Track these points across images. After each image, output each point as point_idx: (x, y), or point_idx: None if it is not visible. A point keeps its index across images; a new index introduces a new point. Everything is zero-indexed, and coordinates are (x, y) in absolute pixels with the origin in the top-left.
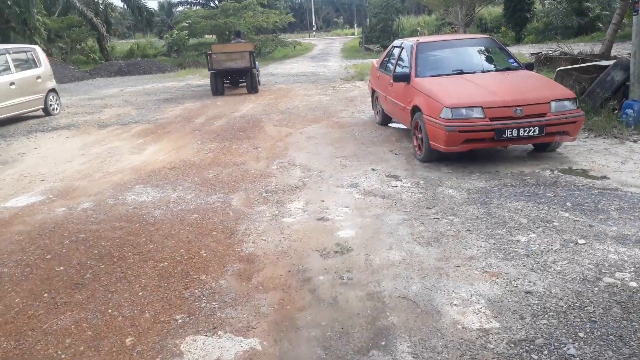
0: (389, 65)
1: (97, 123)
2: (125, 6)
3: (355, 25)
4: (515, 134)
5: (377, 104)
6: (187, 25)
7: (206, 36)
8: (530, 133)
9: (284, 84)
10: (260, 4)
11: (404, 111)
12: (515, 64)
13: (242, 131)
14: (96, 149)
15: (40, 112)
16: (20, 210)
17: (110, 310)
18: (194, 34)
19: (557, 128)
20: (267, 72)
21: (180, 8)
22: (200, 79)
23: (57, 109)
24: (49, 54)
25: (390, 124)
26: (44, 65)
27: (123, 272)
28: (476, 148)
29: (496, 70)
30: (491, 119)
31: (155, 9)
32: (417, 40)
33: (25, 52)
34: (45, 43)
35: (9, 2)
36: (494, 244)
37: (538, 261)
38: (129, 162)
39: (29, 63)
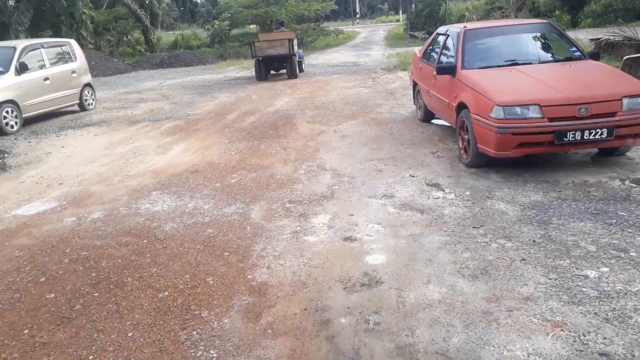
0: (433, 55)
1: (129, 119)
2: None
3: (401, 11)
4: (578, 137)
5: (419, 98)
6: (228, 15)
7: (249, 26)
8: (597, 136)
9: (322, 75)
10: None
11: (448, 108)
12: (578, 53)
13: (273, 129)
14: (121, 149)
15: (76, 107)
16: (29, 219)
17: (91, 357)
18: (236, 24)
19: (630, 130)
20: (307, 62)
21: None
22: (240, 70)
23: (92, 103)
24: (97, 47)
25: (433, 121)
26: (80, 60)
27: (117, 304)
28: (532, 153)
29: (556, 61)
30: (550, 120)
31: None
32: (465, 27)
33: (61, 46)
34: (92, 36)
35: None
36: (555, 279)
37: (614, 308)
38: (152, 164)
39: (64, 57)
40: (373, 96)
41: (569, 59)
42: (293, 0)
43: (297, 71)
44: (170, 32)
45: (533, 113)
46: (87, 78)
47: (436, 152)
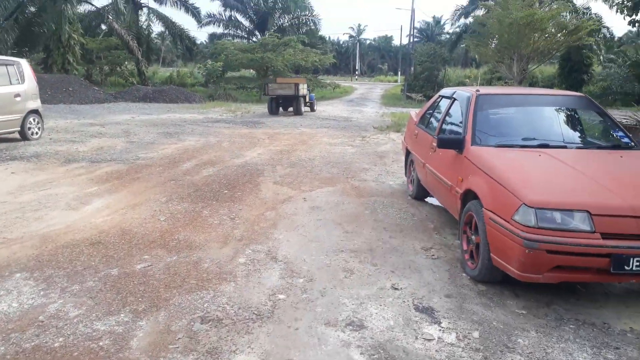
0: (433, 121)
1: (66, 157)
2: (167, 32)
3: (399, 72)
4: None
5: (412, 170)
6: (223, 57)
7: (248, 70)
8: None
9: (308, 128)
10: (301, 42)
11: (449, 193)
12: (626, 140)
13: (229, 187)
14: (28, 196)
15: (16, 135)
16: None
17: None
18: (230, 66)
19: None
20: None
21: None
22: (224, 113)
23: (37, 133)
24: (88, 75)
25: (427, 199)
26: (28, 82)
27: None
28: (575, 281)
29: (599, 148)
30: (604, 236)
31: (205, 40)
32: (477, 91)
33: (6, 65)
34: (80, 62)
35: (42, 20)
36: None
37: None
38: (50, 224)
39: (9, 78)
40: (359, 158)
41: (617, 146)
42: (292, 50)
43: (302, 110)
44: (171, 68)
45: (579, 223)
46: (35, 104)
47: (430, 249)
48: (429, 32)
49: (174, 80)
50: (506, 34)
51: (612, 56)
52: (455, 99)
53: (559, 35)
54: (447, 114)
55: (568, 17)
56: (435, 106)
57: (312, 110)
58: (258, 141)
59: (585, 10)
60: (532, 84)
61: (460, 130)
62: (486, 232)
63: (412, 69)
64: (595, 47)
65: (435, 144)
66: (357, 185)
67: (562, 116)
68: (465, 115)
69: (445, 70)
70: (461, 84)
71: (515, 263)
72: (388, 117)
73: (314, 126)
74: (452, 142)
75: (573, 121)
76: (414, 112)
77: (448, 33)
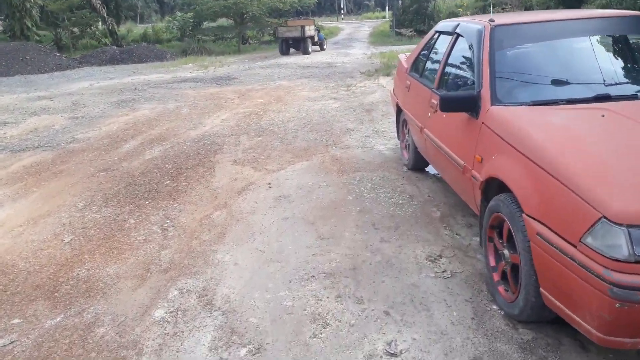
0: (429, 67)
1: None
2: None
3: (387, 7)
4: None
5: (406, 133)
6: (193, 7)
7: (227, 20)
8: None
9: (287, 79)
10: None
11: (462, 177)
12: None
13: (174, 175)
14: None
15: None
16: None
17: None
18: (202, 16)
19: None
20: (274, 62)
21: None
22: (195, 69)
23: None
24: (56, 40)
25: (428, 169)
26: None
27: None
28: None
29: None
30: None
31: None
32: (491, 21)
33: None
34: (40, 26)
35: None
36: None
37: None
38: None
39: None
40: (343, 115)
41: None
42: None
43: (309, 49)
44: (148, 24)
45: None
46: None
47: (439, 259)
48: None
49: (149, 38)
50: None
51: None
52: (459, 36)
53: None
54: (449, 57)
55: None
56: (430, 46)
57: (322, 49)
58: (225, 102)
59: None
60: (528, 8)
61: (470, 81)
62: (531, 253)
63: (400, 2)
64: None
65: (436, 103)
66: (339, 156)
67: (620, 49)
68: (478, 58)
69: (435, 1)
70: (453, 14)
71: (594, 320)
72: (377, 59)
73: (293, 77)
74: (462, 102)
75: (637, 56)
76: (404, 57)
77: None
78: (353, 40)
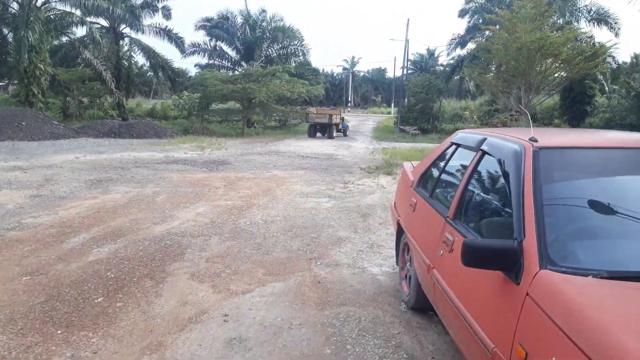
0: (443, 187)
1: None
2: (149, 63)
3: (393, 104)
4: None
5: (407, 260)
6: (202, 88)
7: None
8: None
9: (282, 169)
10: (288, 73)
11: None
12: None
13: (109, 291)
14: None
15: None
16: None
17: None
18: (209, 98)
19: None
20: (274, 149)
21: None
22: (191, 150)
23: None
24: (64, 108)
25: (433, 312)
26: None
27: None
28: None
29: None
30: None
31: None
32: (534, 143)
33: None
34: (47, 94)
35: (9, 49)
36: None
37: None
38: None
39: None
40: (336, 218)
41: None
42: (278, 80)
43: (334, 135)
44: (160, 100)
45: None
46: None
47: None
48: (422, 64)
49: (157, 113)
50: (513, 60)
51: (615, 87)
52: (486, 154)
53: (576, 60)
54: (470, 179)
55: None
56: (445, 160)
57: (345, 135)
58: (208, 192)
59: (588, 39)
60: (531, 117)
61: (507, 221)
62: None
63: (406, 100)
64: (600, 76)
65: (452, 240)
66: (322, 278)
67: None
68: (517, 191)
69: (440, 102)
70: (457, 116)
71: None
72: (379, 154)
73: (289, 167)
74: (494, 255)
75: None
76: (409, 166)
77: (442, 65)
78: (357, 134)
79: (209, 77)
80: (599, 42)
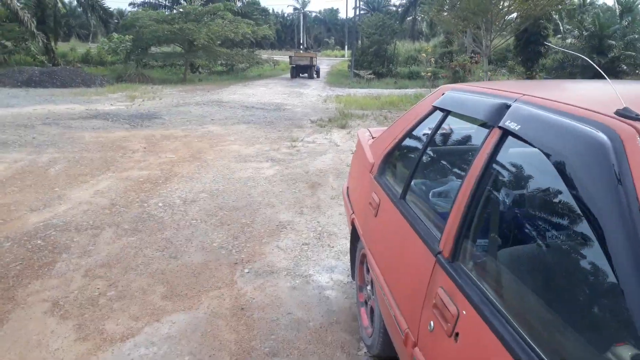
0: (427, 185)
1: None
2: (76, 1)
3: (346, 47)
4: None
5: (368, 282)
6: (136, 29)
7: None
8: None
9: (220, 124)
10: (231, 12)
11: None
12: None
13: None
14: None
15: None
16: None
17: None
18: (142, 40)
19: None
20: (215, 98)
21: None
22: (119, 100)
23: None
24: None
25: None
26: None
27: None
28: None
29: None
30: None
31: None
32: (638, 121)
33: None
34: None
35: None
36: None
37: None
38: None
39: None
40: (277, 192)
41: None
42: (220, 20)
43: (314, 75)
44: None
45: None
46: None
47: None
48: (375, 4)
49: (92, 59)
50: None
51: (569, 27)
52: (508, 134)
53: None
54: (484, 182)
55: None
56: (424, 136)
57: (318, 76)
58: (121, 157)
59: None
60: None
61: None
62: None
63: (360, 43)
64: (555, 15)
65: (451, 318)
66: (248, 299)
67: None
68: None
69: (394, 44)
70: (411, 58)
71: None
72: (332, 102)
73: (229, 120)
74: None
75: None
76: (366, 135)
77: (394, 5)
78: (308, 79)
79: (142, 16)
80: None
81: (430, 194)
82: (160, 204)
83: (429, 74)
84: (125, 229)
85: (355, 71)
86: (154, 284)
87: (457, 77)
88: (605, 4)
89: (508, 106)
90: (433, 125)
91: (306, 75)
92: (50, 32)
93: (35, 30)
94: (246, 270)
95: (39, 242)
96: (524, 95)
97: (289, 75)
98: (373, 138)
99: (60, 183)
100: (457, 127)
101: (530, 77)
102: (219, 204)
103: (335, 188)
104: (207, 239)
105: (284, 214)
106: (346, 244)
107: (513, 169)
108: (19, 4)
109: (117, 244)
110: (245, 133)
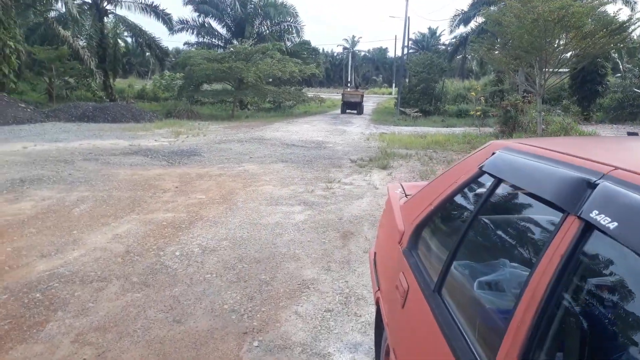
0: (466, 282)
1: None
2: (135, 41)
3: (394, 84)
4: None
5: None
6: (188, 67)
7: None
8: None
9: (258, 162)
10: (280, 51)
11: None
12: None
13: None
14: None
15: None
16: None
17: None
18: (194, 78)
19: None
20: (258, 135)
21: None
22: (164, 136)
23: None
24: (49, 90)
25: None
26: None
27: None
28: None
29: None
30: None
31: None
32: None
33: None
34: (22, 74)
35: None
36: None
37: None
38: None
39: None
40: (305, 242)
41: None
42: (269, 59)
43: (363, 111)
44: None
45: None
46: None
47: None
48: (424, 43)
49: (146, 94)
50: (527, 34)
51: (629, 66)
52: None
53: (599, 34)
54: (561, 288)
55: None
56: (467, 206)
57: (362, 112)
58: (152, 196)
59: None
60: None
61: None
62: None
63: (407, 80)
64: (615, 54)
65: None
66: None
67: None
68: None
69: (443, 81)
70: (460, 96)
71: None
72: (375, 141)
73: (268, 159)
74: None
75: None
76: (397, 191)
77: (444, 44)
78: (354, 116)
79: (194, 55)
80: (629, 14)
81: (476, 284)
82: (177, 253)
83: (478, 112)
84: (133, 283)
85: (402, 109)
86: (147, 357)
87: (508, 117)
88: None
89: (592, 185)
90: (479, 191)
91: (355, 111)
92: (110, 69)
93: (94, 68)
94: (255, 344)
95: (37, 295)
96: (617, 168)
97: (334, 112)
98: (406, 195)
99: (81, 225)
100: (513, 193)
101: (587, 117)
102: (240, 255)
103: (369, 239)
104: (219, 298)
105: (309, 270)
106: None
107: (609, 267)
108: (80, 44)
109: (120, 301)
110: (282, 173)
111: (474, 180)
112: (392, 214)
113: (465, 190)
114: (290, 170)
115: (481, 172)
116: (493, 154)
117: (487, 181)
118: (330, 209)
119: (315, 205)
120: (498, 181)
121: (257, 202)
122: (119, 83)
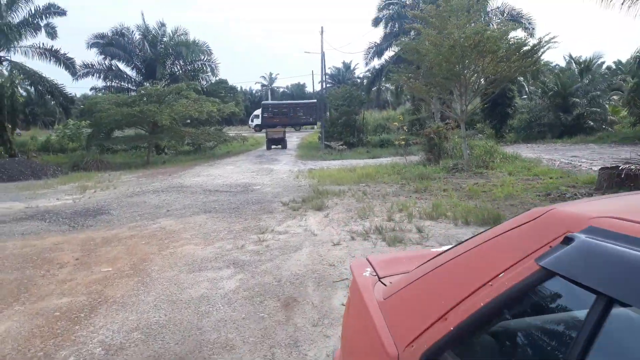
0: None
1: None
2: (33, 89)
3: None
4: None
5: None
6: (94, 114)
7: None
8: None
9: (176, 217)
10: (194, 90)
11: None
12: None
13: None
14: None
15: None
16: None
17: None
18: (101, 124)
19: None
20: (177, 182)
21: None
22: (69, 193)
23: None
24: None
25: None
26: None
27: None
28: None
29: None
30: None
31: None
32: None
33: None
34: None
35: None
36: None
37: None
38: None
39: None
40: (239, 321)
41: None
42: (184, 100)
43: (287, 145)
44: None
45: None
46: None
47: None
48: (340, 77)
49: (52, 146)
50: (444, 61)
51: (532, 88)
52: None
53: (513, 57)
54: None
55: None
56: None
57: (285, 147)
58: (44, 276)
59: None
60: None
61: None
62: None
63: (328, 114)
64: (520, 77)
65: None
66: None
67: None
68: None
69: (363, 113)
70: (380, 127)
71: None
72: (305, 178)
73: (189, 210)
74: None
75: None
76: (364, 274)
77: (359, 77)
78: (279, 153)
79: (100, 100)
80: (539, 38)
81: None
82: (68, 359)
83: (402, 141)
84: None
85: (327, 143)
86: None
87: (432, 144)
88: (558, 65)
89: None
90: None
91: (279, 146)
92: (8, 121)
93: None
94: None
95: None
96: None
97: (259, 150)
98: (380, 279)
99: None
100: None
101: (501, 138)
102: (156, 352)
103: (316, 305)
104: None
105: None
106: None
107: None
108: None
109: None
110: (205, 226)
111: (530, 287)
112: (368, 316)
113: (515, 297)
114: (215, 222)
115: (545, 273)
116: (567, 239)
117: (556, 289)
118: (266, 268)
119: (247, 266)
120: (575, 284)
121: (177, 270)
122: (24, 136)
